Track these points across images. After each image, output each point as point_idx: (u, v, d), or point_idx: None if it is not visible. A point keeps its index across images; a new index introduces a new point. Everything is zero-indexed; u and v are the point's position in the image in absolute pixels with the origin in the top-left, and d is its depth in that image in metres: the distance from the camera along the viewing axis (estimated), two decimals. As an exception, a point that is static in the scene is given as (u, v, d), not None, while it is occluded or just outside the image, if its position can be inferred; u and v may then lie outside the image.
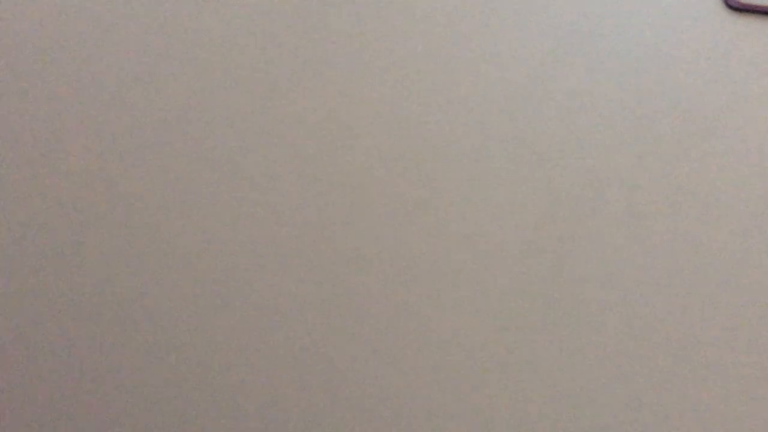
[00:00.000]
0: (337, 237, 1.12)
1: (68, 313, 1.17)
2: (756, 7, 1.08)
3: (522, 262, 1.07)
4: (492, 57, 1.11)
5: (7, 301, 1.18)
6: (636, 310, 1.05)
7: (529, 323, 1.07)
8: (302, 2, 1.16)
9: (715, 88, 1.08)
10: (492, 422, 1.08)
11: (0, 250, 1.18)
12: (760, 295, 1.04)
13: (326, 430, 1.10)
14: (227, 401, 1.14)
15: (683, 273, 1.05)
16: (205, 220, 1.15)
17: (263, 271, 1.13)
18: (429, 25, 1.13)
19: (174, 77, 1.16)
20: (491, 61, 1.11)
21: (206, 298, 1.15)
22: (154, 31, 1.17)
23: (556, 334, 1.06)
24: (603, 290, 1.06)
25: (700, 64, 1.09)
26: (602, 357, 1.05)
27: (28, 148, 1.18)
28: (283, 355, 1.13)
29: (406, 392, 1.10)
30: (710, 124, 1.08)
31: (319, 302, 1.12)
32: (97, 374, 1.16)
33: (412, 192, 1.10)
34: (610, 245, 1.06)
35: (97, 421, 1.16)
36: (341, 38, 1.14)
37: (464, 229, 1.09)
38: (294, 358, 1.12)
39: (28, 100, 1.19)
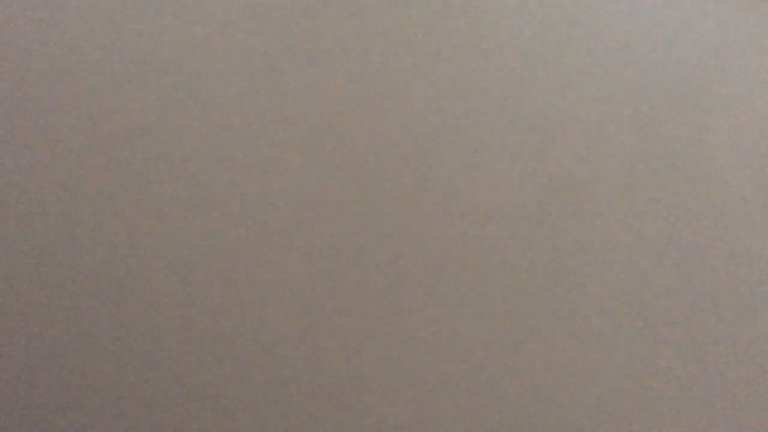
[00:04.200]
0: (334, 231, 1.12)
1: (68, 313, 1.17)
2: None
3: (519, 253, 1.07)
4: (487, 45, 1.11)
5: (7, 301, 1.18)
6: (634, 302, 1.05)
7: (526, 317, 1.07)
8: (303, 2, 1.15)
9: (718, 66, 1.08)
10: (487, 421, 1.08)
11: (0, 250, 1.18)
12: (762, 287, 1.04)
13: (326, 430, 1.11)
14: (227, 401, 1.14)
15: (683, 265, 1.05)
16: (205, 220, 1.15)
17: (264, 272, 1.13)
18: (428, 15, 1.13)
19: (174, 77, 1.16)
20: (488, 50, 1.11)
21: (206, 297, 1.15)
22: (154, 31, 1.17)
23: (554, 328, 1.06)
24: (600, 281, 1.06)
25: (701, 48, 1.08)
26: (600, 351, 1.05)
27: (28, 148, 1.18)
28: (283, 356, 1.13)
29: (403, 393, 1.10)
30: (713, 100, 1.07)
31: (315, 296, 1.13)
32: (97, 374, 1.17)
33: (409, 185, 1.10)
34: (609, 237, 1.06)
35: (96, 421, 1.16)
36: (338, 33, 1.14)
37: (461, 222, 1.09)
38: (294, 358, 1.13)
39: (28, 100, 1.19)
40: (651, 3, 1.10)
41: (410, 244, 1.09)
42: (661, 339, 1.05)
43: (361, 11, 1.14)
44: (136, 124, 1.16)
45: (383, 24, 1.13)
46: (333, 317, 1.11)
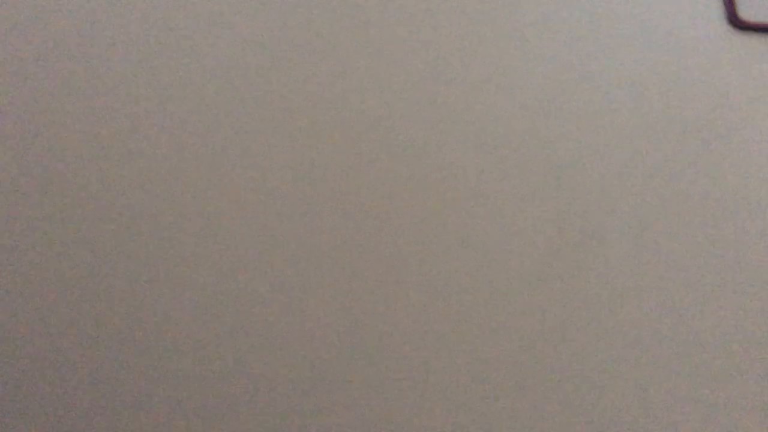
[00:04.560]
0: (351, 257, 1.12)
1: (67, 313, 1.17)
2: (760, 25, 1.08)
3: (535, 276, 1.07)
4: (504, 76, 1.12)
5: (8, 301, 1.18)
6: (648, 324, 1.05)
7: (542, 337, 1.07)
8: (304, 3, 1.16)
9: (720, 107, 1.08)
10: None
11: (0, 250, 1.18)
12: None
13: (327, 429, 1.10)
14: (228, 401, 1.13)
15: (694, 289, 1.05)
16: (206, 220, 1.15)
17: (264, 275, 1.13)
18: (440, 44, 1.13)
19: (174, 77, 1.17)
20: (503, 77, 1.12)
21: (207, 298, 1.15)
22: (154, 30, 1.17)
23: (570, 347, 1.06)
24: (615, 304, 1.06)
25: (705, 83, 1.09)
26: (616, 371, 1.05)
27: (28, 148, 1.18)
28: (284, 356, 1.13)
29: (413, 408, 1.10)
30: (716, 143, 1.08)
31: (328, 315, 1.12)
32: (97, 374, 1.16)
33: (423, 205, 1.10)
34: (622, 262, 1.06)
35: (97, 421, 1.15)
36: (349, 58, 1.14)
37: (476, 243, 1.09)
38: (295, 360, 1.12)
39: (28, 100, 1.19)
40: (654, 38, 1.11)
41: (418, 289, 1.09)
42: (675, 362, 1.05)
43: (374, 54, 1.15)
44: (135, 124, 1.16)
45: (389, 71, 1.14)
46: (343, 332, 1.10)
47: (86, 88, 1.18)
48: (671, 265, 1.05)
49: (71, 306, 1.16)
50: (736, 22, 1.08)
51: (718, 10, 1.10)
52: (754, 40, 1.09)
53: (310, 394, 1.09)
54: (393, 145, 1.12)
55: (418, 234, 1.09)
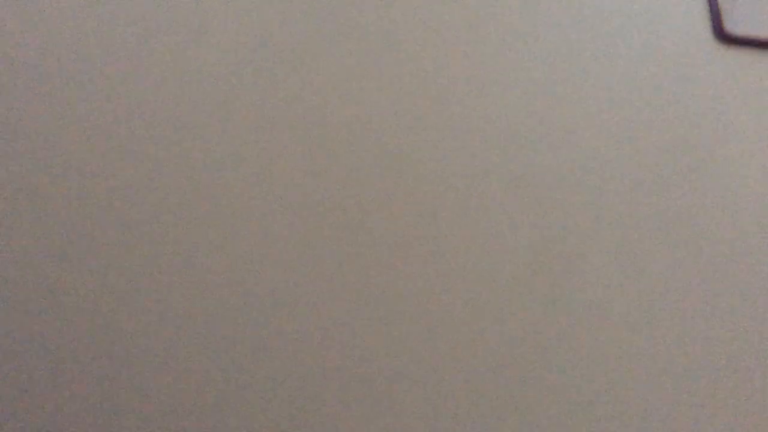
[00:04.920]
0: (339, 265, 1.12)
1: (67, 313, 1.17)
2: (746, 39, 1.08)
3: (519, 286, 1.07)
4: (489, 87, 1.12)
5: (8, 301, 1.18)
6: (634, 337, 1.05)
7: (524, 348, 1.07)
8: (306, 2, 1.17)
9: (706, 120, 1.08)
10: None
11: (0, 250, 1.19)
12: (763, 327, 1.03)
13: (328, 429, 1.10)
14: (228, 401, 1.13)
15: (678, 303, 1.04)
16: (206, 219, 1.15)
17: (263, 274, 1.14)
18: (429, 51, 1.14)
19: (174, 77, 1.18)
20: (491, 91, 1.12)
21: (208, 298, 1.15)
22: (154, 31, 1.19)
23: (555, 354, 1.06)
24: (600, 319, 1.05)
25: (691, 95, 1.09)
26: (601, 382, 1.05)
27: (28, 148, 1.19)
28: (283, 356, 1.13)
29: (405, 414, 1.09)
30: (702, 157, 1.08)
31: (318, 320, 1.12)
32: (96, 374, 1.16)
33: (408, 215, 1.11)
34: (606, 275, 1.06)
35: (97, 422, 1.15)
36: (346, 60, 1.15)
37: (460, 254, 1.09)
38: (293, 359, 1.12)
39: (28, 100, 1.20)
40: (641, 51, 1.12)
41: (403, 302, 1.10)
42: (661, 378, 1.04)
43: (368, 57, 1.16)
44: (135, 124, 1.17)
45: (380, 76, 1.15)
46: (332, 337, 1.11)
47: (85, 87, 1.19)
48: (654, 277, 1.04)
49: (71, 306, 1.16)
50: (722, 35, 1.09)
51: (704, 24, 1.11)
52: (740, 54, 1.09)
53: (310, 393, 1.09)
54: (381, 151, 1.12)
55: (403, 241, 1.10)
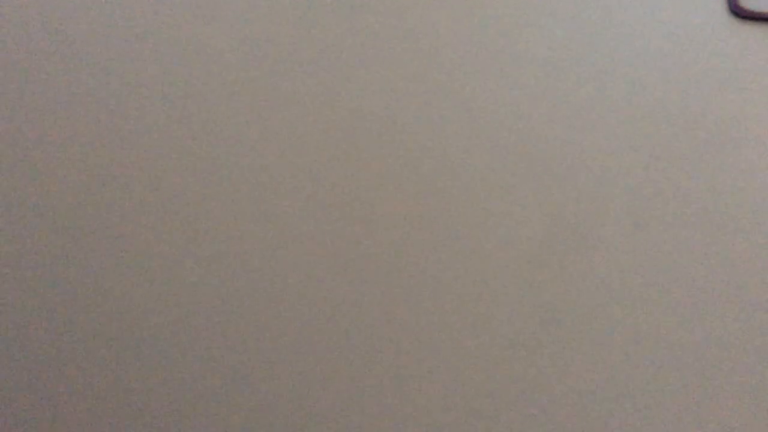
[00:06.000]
0: (344, 249, 1.18)
1: (67, 314, 1.24)
2: (762, 14, 1.06)
3: (528, 271, 1.14)
4: (498, 66, 1.14)
5: (7, 302, 1.25)
6: (642, 321, 1.13)
7: (534, 334, 1.16)
8: (307, 3, 1.20)
9: (720, 96, 1.09)
10: None
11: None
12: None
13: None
14: (228, 402, 1.21)
15: (691, 284, 1.10)
16: (206, 219, 1.20)
17: (262, 274, 1.19)
18: (437, 34, 1.15)
19: (174, 77, 1.20)
20: (498, 71, 1.14)
21: (209, 299, 1.21)
22: (155, 31, 1.21)
23: (561, 345, 1.14)
24: (608, 301, 1.13)
25: (705, 72, 1.09)
26: (608, 369, 1.15)
27: (28, 149, 1.23)
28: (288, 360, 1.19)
29: (408, 410, 1.17)
30: (717, 133, 1.10)
31: (320, 316, 1.18)
32: (96, 375, 1.23)
33: (416, 200, 1.16)
34: (617, 255, 1.12)
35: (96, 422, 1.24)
36: (348, 56, 1.18)
37: (470, 239, 1.15)
38: (297, 362, 1.19)
39: (29, 100, 1.23)
40: (655, 27, 1.11)
41: (413, 287, 1.16)
42: (668, 380, 1.14)
43: (374, 26, 1.17)
44: (137, 125, 1.22)
45: (400, 36, 1.17)
46: (335, 332, 1.19)
47: (87, 87, 1.23)
48: (670, 264, 1.10)
49: (71, 305, 1.24)
50: (737, 11, 1.07)
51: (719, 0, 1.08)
52: (755, 29, 1.07)
53: (309, 393, 1.18)
54: (387, 145, 1.17)
55: (411, 233, 1.16)
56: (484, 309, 1.14)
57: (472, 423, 1.15)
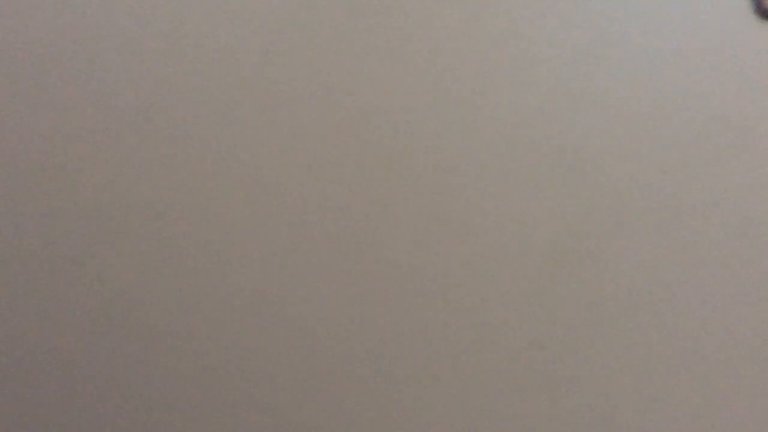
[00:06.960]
0: (358, 251, 1.18)
1: (67, 314, 1.24)
2: (787, 14, 1.06)
3: (547, 270, 1.14)
4: (519, 66, 1.14)
5: (7, 302, 1.24)
6: (663, 319, 1.12)
7: (551, 332, 1.15)
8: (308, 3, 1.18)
9: (745, 95, 1.09)
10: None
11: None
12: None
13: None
14: (229, 402, 1.21)
15: (712, 283, 1.11)
16: (205, 219, 1.20)
17: (261, 273, 1.19)
18: (456, 35, 1.15)
19: (175, 78, 1.20)
20: (518, 71, 1.14)
21: (209, 299, 1.21)
22: (156, 32, 1.20)
23: (580, 343, 1.14)
24: (629, 299, 1.13)
25: (729, 71, 1.09)
26: (628, 368, 1.15)
27: (28, 149, 1.23)
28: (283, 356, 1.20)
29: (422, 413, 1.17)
30: (740, 132, 1.10)
31: (336, 318, 1.18)
32: (96, 375, 1.23)
33: (435, 200, 1.15)
34: (638, 254, 1.12)
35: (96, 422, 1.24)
36: (355, 55, 1.17)
37: (489, 238, 1.15)
38: (298, 363, 1.20)
39: (29, 101, 1.23)
40: (679, 26, 1.10)
41: (421, 293, 1.16)
42: (690, 359, 1.14)
43: (388, 27, 1.16)
44: (138, 126, 1.21)
45: (417, 36, 1.16)
46: (351, 333, 1.21)
47: (86, 86, 1.22)
48: (692, 266, 1.11)
49: (71, 306, 1.24)
50: (762, 11, 1.07)
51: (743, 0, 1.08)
52: (779, 29, 1.07)
53: (309, 393, 1.18)
54: (396, 145, 1.16)
55: (421, 234, 1.16)
56: (493, 315, 1.14)
57: (477, 426, 1.15)
